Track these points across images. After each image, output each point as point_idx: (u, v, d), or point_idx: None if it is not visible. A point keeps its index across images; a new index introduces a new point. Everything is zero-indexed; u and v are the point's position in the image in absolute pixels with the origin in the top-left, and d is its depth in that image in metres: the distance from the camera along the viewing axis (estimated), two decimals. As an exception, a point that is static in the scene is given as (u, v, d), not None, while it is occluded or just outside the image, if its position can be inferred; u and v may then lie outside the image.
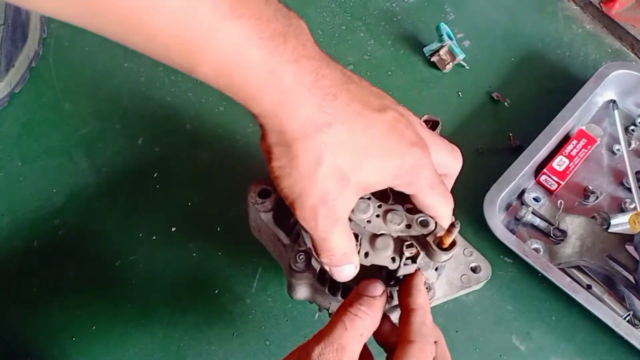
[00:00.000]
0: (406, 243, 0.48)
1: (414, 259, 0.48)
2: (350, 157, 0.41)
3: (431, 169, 0.46)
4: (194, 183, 0.77)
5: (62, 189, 0.76)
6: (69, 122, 0.80)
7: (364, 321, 0.43)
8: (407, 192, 0.47)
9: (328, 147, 0.41)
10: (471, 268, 0.56)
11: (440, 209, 0.48)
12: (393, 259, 0.48)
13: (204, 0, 0.35)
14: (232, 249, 0.73)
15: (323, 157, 0.41)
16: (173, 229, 0.74)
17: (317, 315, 0.70)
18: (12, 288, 0.69)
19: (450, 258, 0.48)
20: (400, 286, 0.49)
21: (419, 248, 0.47)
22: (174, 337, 0.68)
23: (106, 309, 0.69)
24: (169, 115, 0.82)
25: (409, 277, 0.48)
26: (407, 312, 0.46)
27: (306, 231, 0.46)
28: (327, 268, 0.47)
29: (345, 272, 0.47)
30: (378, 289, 0.46)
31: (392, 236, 0.48)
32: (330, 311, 0.56)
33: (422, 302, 0.46)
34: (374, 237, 0.48)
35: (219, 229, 0.75)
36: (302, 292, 0.55)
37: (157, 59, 0.38)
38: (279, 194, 0.44)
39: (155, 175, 0.78)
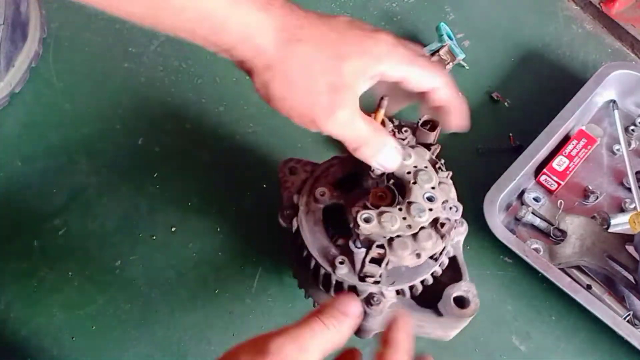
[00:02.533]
0: (377, 243, 0.49)
1: (379, 261, 0.49)
2: (330, 49, 0.45)
3: (405, 46, 0.48)
4: (194, 183, 0.77)
5: (62, 189, 0.75)
6: (69, 122, 0.80)
7: (331, 334, 0.42)
8: (393, 76, 0.48)
9: (307, 50, 0.45)
10: (455, 298, 0.54)
11: (433, 78, 0.49)
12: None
13: None
14: (232, 249, 0.73)
15: (311, 61, 0.45)
16: (173, 229, 0.74)
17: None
18: (12, 288, 0.69)
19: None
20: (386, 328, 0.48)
21: (387, 251, 0.49)
22: (174, 337, 0.68)
23: (106, 309, 0.69)
24: (169, 115, 0.82)
25: (395, 319, 0.47)
26: (389, 342, 0.45)
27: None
28: (374, 164, 0.50)
29: (391, 154, 0.50)
30: (355, 308, 0.44)
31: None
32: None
33: (406, 337, 0.45)
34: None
35: (219, 229, 0.75)
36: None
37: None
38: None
39: (155, 175, 0.78)
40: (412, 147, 0.55)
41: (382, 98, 0.51)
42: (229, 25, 0.44)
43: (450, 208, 0.52)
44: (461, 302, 0.54)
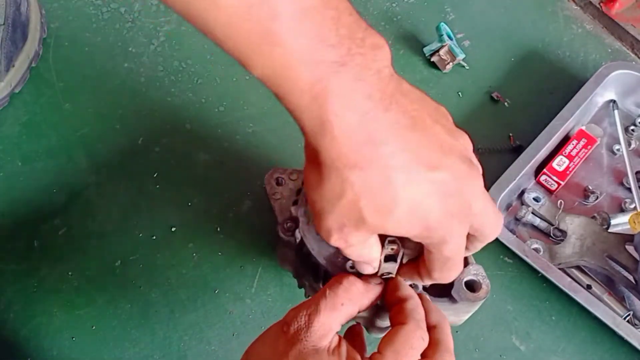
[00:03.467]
0: (388, 239, 0.47)
1: (394, 257, 0.48)
2: (374, 205, 0.37)
3: (457, 243, 0.42)
4: (194, 183, 0.77)
5: (62, 189, 0.75)
6: (69, 122, 0.80)
7: (344, 300, 0.44)
8: (475, 248, 0.46)
9: (354, 186, 0.37)
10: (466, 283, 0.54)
11: (441, 279, 0.46)
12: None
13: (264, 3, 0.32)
14: (232, 249, 0.73)
15: (345, 193, 0.37)
16: (173, 229, 0.74)
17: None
18: (12, 288, 0.69)
19: None
20: (385, 294, 0.48)
21: (400, 246, 0.47)
22: (174, 337, 0.68)
23: (106, 309, 0.69)
24: (169, 115, 0.82)
25: (391, 280, 0.48)
26: (397, 301, 0.46)
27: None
28: (351, 261, 0.48)
29: (367, 269, 0.47)
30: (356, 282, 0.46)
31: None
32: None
33: (410, 292, 0.46)
34: None
35: (219, 229, 0.75)
36: None
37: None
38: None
39: (155, 175, 0.78)
40: None
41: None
42: (301, 115, 0.36)
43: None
44: (472, 286, 0.54)
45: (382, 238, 0.48)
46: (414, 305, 0.45)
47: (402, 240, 0.48)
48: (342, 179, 0.37)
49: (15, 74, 0.79)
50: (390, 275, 0.49)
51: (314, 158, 0.38)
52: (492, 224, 0.44)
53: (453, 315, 0.55)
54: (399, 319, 0.44)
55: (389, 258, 0.48)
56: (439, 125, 0.40)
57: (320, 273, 0.54)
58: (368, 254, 0.44)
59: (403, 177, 0.37)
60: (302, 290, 0.63)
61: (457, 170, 0.40)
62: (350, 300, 0.44)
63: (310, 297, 0.45)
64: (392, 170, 0.37)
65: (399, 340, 0.42)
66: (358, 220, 0.38)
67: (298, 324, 0.42)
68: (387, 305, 0.47)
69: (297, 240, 0.55)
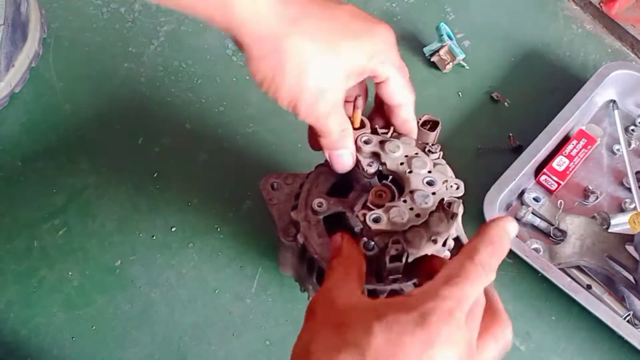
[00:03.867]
0: (392, 239, 0.48)
1: (399, 257, 0.48)
2: (325, 43, 0.47)
3: (397, 51, 0.51)
4: (194, 183, 0.77)
5: (62, 189, 0.76)
6: (69, 122, 0.80)
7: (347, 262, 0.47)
8: (380, 75, 0.50)
9: (303, 42, 0.46)
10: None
11: (407, 95, 0.53)
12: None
13: None
14: (232, 249, 0.73)
15: (306, 56, 0.46)
16: (173, 229, 0.74)
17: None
18: (12, 288, 0.69)
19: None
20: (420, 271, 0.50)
21: (404, 245, 0.48)
22: (174, 337, 0.68)
23: (106, 309, 0.69)
24: (169, 115, 0.82)
25: (423, 260, 0.50)
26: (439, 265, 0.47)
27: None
28: (327, 157, 0.53)
29: (344, 158, 0.53)
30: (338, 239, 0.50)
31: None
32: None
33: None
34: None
35: (219, 229, 0.75)
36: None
37: None
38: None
39: (155, 175, 0.78)
40: (397, 137, 0.55)
41: (356, 98, 0.52)
42: (235, 6, 0.44)
43: (452, 186, 0.52)
44: None
45: (386, 238, 0.48)
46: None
47: (407, 240, 0.48)
48: (292, 44, 0.46)
49: (15, 74, 0.79)
50: (397, 276, 0.50)
51: (260, 57, 0.47)
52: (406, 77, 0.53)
53: None
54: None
55: (394, 259, 0.48)
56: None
57: (324, 276, 0.54)
58: (342, 124, 0.51)
59: (327, 12, 0.48)
60: (303, 291, 0.63)
61: None
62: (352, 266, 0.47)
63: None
64: (315, 9, 0.47)
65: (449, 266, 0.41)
66: (327, 72, 0.48)
67: (316, 300, 0.44)
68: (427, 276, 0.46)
69: (299, 245, 0.55)
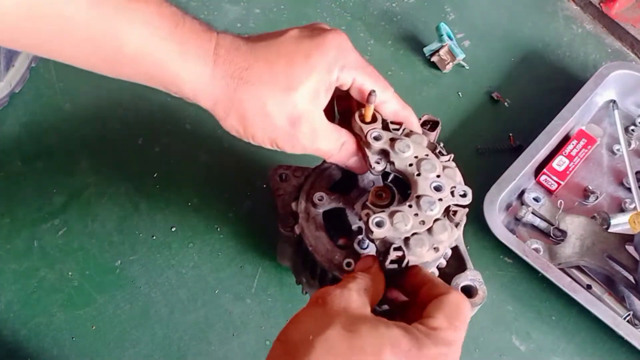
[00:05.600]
0: (394, 246, 0.48)
1: (399, 263, 0.48)
2: (279, 78, 0.47)
3: (354, 52, 0.50)
4: (194, 183, 0.77)
5: (62, 189, 0.76)
6: (69, 122, 0.80)
7: (365, 279, 0.46)
8: (346, 82, 0.50)
9: (256, 88, 0.47)
10: (463, 288, 0.54)
11: (381, 89, 0.51)
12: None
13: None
14: (232, 249, 0.73)
15: (264, 100, 0.47)
16: (173, 229, 0.74)
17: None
18: (12, 288, 0.69)
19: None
20: (405, 279, 0.49)
21: (406, 253, 0.48)
22: (174, 337, 0.68)
23: (106, 309, 0.69)
24: (169, 115, 0.82)
25: (410, 268, 0.49)
26: (425, 281, 0.47)
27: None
28: (345, 167, 0.54)
29: (357, 165, 0.54)
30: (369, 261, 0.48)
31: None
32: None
33: (429, 274, 0.48)
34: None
35: (219, 229, 0.75)
36: None
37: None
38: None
39: (155, 175, 0.78)
40: (408, 135, 0.53)
41: (370, 93, 0.50)
42: (183, 78, 0.47)
43: (460, 194, 0.50)
44: (469, 291, 0.54)
45: (387, 246, 0.48)
46: (442, 282, 0.47)
47: (408, 246, 0.48)
48: (248, 91, 0.48)
49: (15, 74, 0.79)
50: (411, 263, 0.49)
51: (224, 112, 0.49)
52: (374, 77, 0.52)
53: None
54: (435, 290, 0.45)
55: (393, 263, 0.48)
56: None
57: (317, 270, 0.54)
58: (334, 141, 0.52)
59: (273, 48, 0.48)
60: (298, 283, 0.62)
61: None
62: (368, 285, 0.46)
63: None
64: (260, 51, 0.48)
65: (450, 305, 0.44)
66: (289, 101, 0.48)
67: (333, 293, 0.43)
68: (410, 289, 0.48)
69: (296, 236, 0.55)
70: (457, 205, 0.50)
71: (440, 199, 0.50)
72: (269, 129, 0.49)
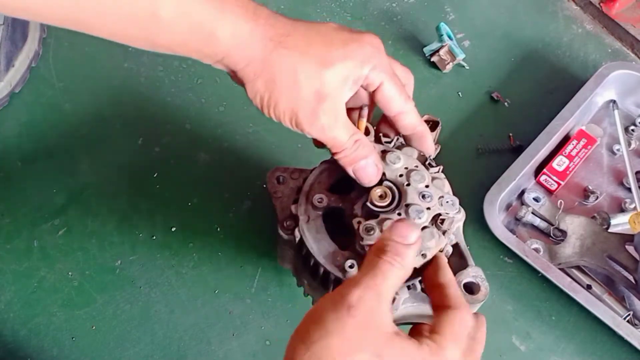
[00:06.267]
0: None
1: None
2: (315, 54, 0.47)
3: (387, 57, 0.51)
4: (194, 183, 0.77)
5: (62, 189, 0.76)
6: (69, 122, 0.80)
7: (399, 271, 0.42)
8: (374, 82, 0.50)
9: (292, 56, 0.47)
10: (465, 285, 0.54)
11: (404, 100, 0.52)
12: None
13: None
14: (232, 249, 0.73)
15: (297, 68, 0.47)
16: (173, 229, 0.74)
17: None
18: (12, 288, 0.69)
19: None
20: (425, 270, 0.49)
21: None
22: (174, 337, 0.68)
23: (106, 309, 0.69)
24: (169, 115, 0.82)
25: (434, 259, 0.49)
26: (439, 285, 0.46)
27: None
28: (352, 174, 0.52)
29: (368, 169, 0.52)
30: (413, 235, 0.43)
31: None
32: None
33: (452, 277, 0.47)
34: None
35: (219, 229, 0.75)
36: None
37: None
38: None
39: (155, 175, 0.78)
40: (399, 147, 0.55)
41: (361, 107, 0.53)
42: (219, 35, 0.46)
43: (447, 202, 0.52)
44: (471, 288, 0.54)
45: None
46: (457, 290, 0.46)
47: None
48: (282, 59, 0.47)
49: (15, 74, 0.79)
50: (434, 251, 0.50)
51: (255, 79, 0.48)
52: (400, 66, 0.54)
53: None
54: (444, 301, 0.45)
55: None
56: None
57: (319, 272, 0.54)
58: (352, 130, 0.50)
59: (313, 27, 0.49)
60: (299, 285, 0.63)
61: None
62: (401, 278, 0.43)
63: (363, 273, 0.42)
64: (300, 26, 0.49)
65: (457, 323, 0.43)
66: (321, 80, 0.48)
67: (366, 303, 0.40)
68: (428, 286, 0.48)
69: (297, 239, 0.55)
70: (445, 214, 0.52)
71: (429, 208, 0.51)
72: (294, 99, 0.48)
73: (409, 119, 0.53)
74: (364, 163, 0.52)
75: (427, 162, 0.55)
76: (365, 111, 0.53)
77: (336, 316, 0.40)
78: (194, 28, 0.45)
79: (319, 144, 0.54)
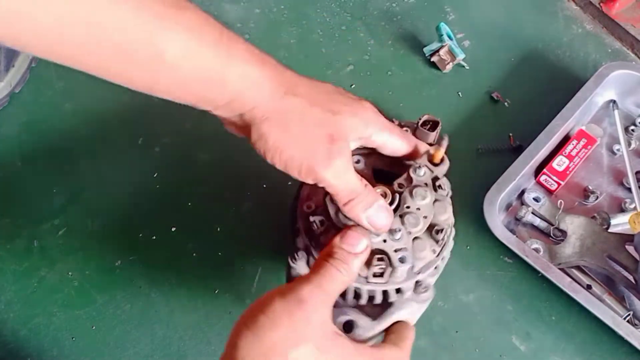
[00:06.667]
0: (377, 256, 0.49)
1: (382, 274, 0.49)
2: (324, 105, 0.48)
3: (382, 117, 0.52)
4: (194, 183, 0.77)
5: (62, 189, 0.76)
6: (69, 122, 0.80)
7: (344, 277, 0.46)
8: (376, 141, 0.51)
9: (304, 103, 0.47)
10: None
11: (406, 146, 0.53)
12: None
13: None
14: (232, 249, 0.73)
15: (308, 114, 0.47)
16: (173, 229, 0.74)
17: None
18: (12, 288, 0.69)
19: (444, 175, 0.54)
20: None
21: (388, 263, 0.49)
22: (174, 337, 0.68)
23: (106, 309, 0.69)
24: (169, 115, 0.82)
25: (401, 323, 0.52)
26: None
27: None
28: (364, 222, 0.49)
29: (383, 211, 0.49)
30: (360, 244, 0.48)
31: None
32: None
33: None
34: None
35: (219, 229, 0.75)
36: None
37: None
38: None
39: (155, 175, 0.78)
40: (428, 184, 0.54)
41: (442, 137, 0.53)
42: (228, 78, 0.45)
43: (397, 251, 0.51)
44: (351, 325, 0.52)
45: (371, 257, 0.49)
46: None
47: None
48: (289, 106, 0.47)
49: (15, 74, 0.79)
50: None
51: (263, 122, 0.47)
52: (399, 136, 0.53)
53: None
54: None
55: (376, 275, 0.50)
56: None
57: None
58: (346, 181, 0.49)
59: (315, 84, 0.49)
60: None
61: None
62: (345, 283, 0.47)
63: (313, 273, 0.46)
64: (303, 81, 0.49)
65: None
66: (328, 132, 0.48)
67: (316, 297, 0.44)
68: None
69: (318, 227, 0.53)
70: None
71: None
72: (307, 143, 0.47)
73: (419, 153, 0.54)
74: (377, 206, 0.49)
75: (437, 184, 0.53)
76: (446, 141, 0.52)
77: (286, 307, 0.42)
78: (199, 70, 0.44)
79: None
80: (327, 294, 0.45)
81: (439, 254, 0.53)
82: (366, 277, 0.50)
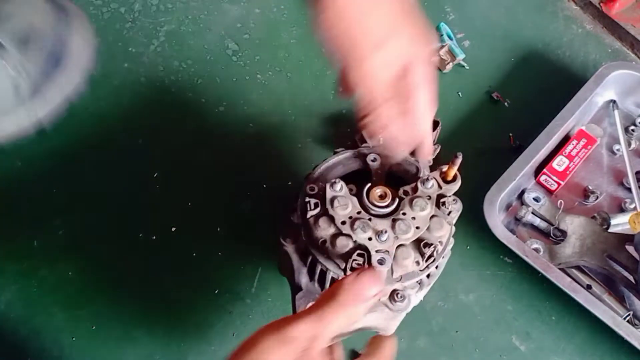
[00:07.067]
0: (358, 251, 0.49)
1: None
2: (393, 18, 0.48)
3: (430, 59, 0.51)
4: (194, 183, 0.77)
5: (62, 189, 0.76)
6: (69, 122, 0.80)
7: (347, 319, 0.43)
8: (418, 77, 0.50)
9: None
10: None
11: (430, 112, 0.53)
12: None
13: None
14: (232, 249, 0.73)
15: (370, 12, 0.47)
16: (173, 229, 0.74)
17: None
18: (12, 288, 0.69)
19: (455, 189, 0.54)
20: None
21: (367, 260, 0.49)
22: (174, 337, 0.68)
23: (106, 309, 0.69)
24: (169, 115, 0.82)
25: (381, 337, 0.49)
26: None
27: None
28: (380, 140, 0.50)
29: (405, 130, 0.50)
30: (373, 291, 0.44)
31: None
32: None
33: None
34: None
35: (219, 229, 0.75)
36: None
37: None
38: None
39: (155, 175, 0.78)
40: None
41: (455, 155, 0.53)
42: None
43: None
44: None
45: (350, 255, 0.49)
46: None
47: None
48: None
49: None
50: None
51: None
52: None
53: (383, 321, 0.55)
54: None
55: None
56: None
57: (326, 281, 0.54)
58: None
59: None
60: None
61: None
62: (352, 322, 0.44)
63: (315, 310, 0.42)
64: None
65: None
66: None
67: (306, 338, 0.41)
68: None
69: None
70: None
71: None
72: (357, 32, 0.48)
73: (424, 150, 0.54)
74: (398, 126, 0.50)
75: (441, 201, 0.53)
76: (459, 159, 0.53)
77: (277, 343, 0.40)
78: None
79: (348, 92, 0.52)
80: (323, 334, 0.41)
81: (424, 269, 0.52)
82: (344, 270, 0.50)
